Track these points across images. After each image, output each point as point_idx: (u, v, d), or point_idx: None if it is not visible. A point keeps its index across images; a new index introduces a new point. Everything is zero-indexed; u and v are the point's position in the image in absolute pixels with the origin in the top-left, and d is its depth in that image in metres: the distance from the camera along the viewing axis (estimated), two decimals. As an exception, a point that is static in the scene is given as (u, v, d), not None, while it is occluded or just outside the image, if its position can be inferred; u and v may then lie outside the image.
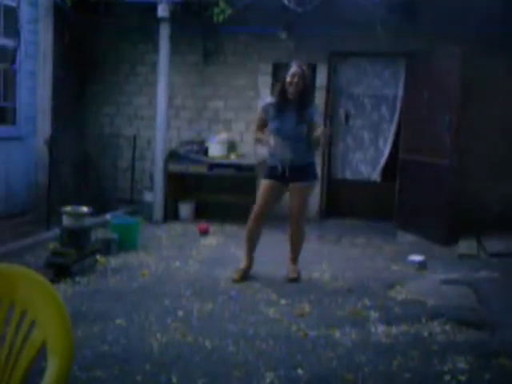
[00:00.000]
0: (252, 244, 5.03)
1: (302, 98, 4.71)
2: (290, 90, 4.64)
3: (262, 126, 4.92)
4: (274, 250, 5.87)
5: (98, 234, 5.85)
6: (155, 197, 7.52)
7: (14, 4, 6.54)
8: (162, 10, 7.26)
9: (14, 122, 6.80)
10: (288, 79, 4.62)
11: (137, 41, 8.28)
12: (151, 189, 7.75)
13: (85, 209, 5.06)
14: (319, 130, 4.62)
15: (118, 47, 8.35)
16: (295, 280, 4.92)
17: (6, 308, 1.51)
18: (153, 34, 7.72)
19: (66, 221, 4.95)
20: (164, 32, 7.35)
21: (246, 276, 4.91)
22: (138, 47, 8.33)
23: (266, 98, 8.26)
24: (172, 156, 7.71)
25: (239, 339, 3.58)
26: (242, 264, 4.99)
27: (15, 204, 6.69)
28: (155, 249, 5.99)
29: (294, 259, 5.09)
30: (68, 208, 5.05)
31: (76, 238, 4.94)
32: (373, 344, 3.60)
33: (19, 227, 6.21)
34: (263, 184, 4.89)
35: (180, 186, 7.91)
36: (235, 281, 4.80)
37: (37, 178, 6.97)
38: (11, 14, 6.56)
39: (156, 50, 7.52)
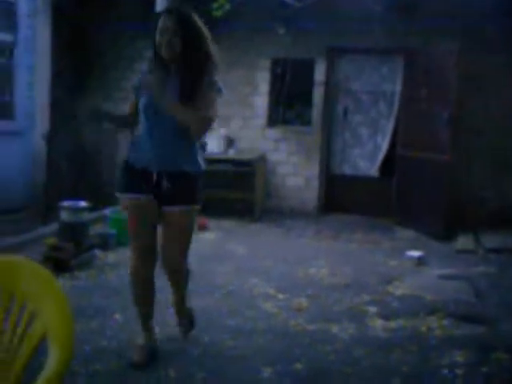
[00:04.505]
0: (146, 303, 3.25)
1: (186, 63, 2.95)
2: (164, 53, 2.94)
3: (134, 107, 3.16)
4: (271, 244, 5.88)
5: (96, 229, 5.85)
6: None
7: (11, -1, 6.53)
8: (161, 5, 7.25)
9: (12, 117, 6.79)
10: (157, 38, 2.94)
11: (135, 36, 8.26)
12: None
13: (83, 203, 5.06)
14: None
15: (116, 42, 8.33)
16: (189, 331, 3.52)
17: (8, 298, 1.52)
18: (151, 30, 7.70)
19: (64, 215, 4.95)
20: (162, 27, 7.33)
21: (151, 353, 3.17)
22: (136, 43, 8.31)
23: (262, 94, 8.32)
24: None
25: (237, 334, 3.59)
26: (141, 339, 3.22)
27: (13, 199, 6.68)
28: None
29: (181, 301, 3.48)
30: (66, 203, 5.05)
31: (74, 232, 4.95)
32: (371, 338, 3.62)
33: (17, 222, 6.21)
34: (123, 204, 3.17)
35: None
36: (137, 365, 3.07)
37: (35, 173, 6.97)
38: (9, 8, 6.55)
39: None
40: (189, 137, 2.98)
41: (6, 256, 1.73)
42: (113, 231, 5.66)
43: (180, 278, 3.40)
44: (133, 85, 3.20)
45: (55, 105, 7.28)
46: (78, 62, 8.11)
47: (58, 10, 7.20)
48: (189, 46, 2.92)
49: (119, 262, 5.16)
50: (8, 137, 6.64)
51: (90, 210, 5.41)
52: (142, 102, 3.00)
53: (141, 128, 3.04)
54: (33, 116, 6.96)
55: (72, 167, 7.93)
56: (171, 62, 2.96)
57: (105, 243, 5.50)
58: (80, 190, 7.46)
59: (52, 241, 5.03)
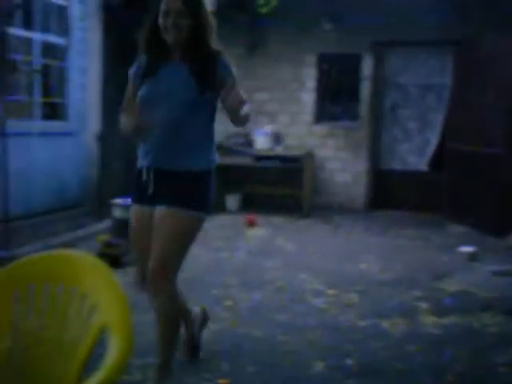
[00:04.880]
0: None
1: (195, 47, 2.59)
2: (169, 36, 2.55)
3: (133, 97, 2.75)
4: (319, 240, 5.88)
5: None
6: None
7: (64, 3, 6.72)
8: (207, 3, 7.32)
9: (65, 118, 6.99)
10: (160, 21, 2.55)
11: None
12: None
13: (135, 201, 5.17)
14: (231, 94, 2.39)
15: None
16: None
17: (69, 291, 1.59)
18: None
19: (117, 212, 5.07)
20: (209, 25, 7.41)
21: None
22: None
23: (308, 90, 8.29)
24: (218, 149, 7.74)
25: (288, 329, 3.61)
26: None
27: (68, 197, 6.88)
28: (203, 240, 6.06)
29: (163, 365, 2.70)
30: (118, 200, 5.18)
31: (126, 229, 5.05)
32: (423, 335, 3.58)
33: (72, 219, 6.40)
34: (131, 215, 2.75)
35: (227, 179, 7.99)
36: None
37: (88, 172, 7.16)
38: (62, 12, 6.74)
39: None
40: (196, 132, 2.59)
41: (65, 250, 1.80)
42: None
43: (162, 305, 2.62)
44: (132, 72, 2.79)
45: (107, 105, 7.45)
46: (128, 63, 8.25)
47: (108, 12, 7.36)
48: (197, 29, 2.55)
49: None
50: (62, 137, 6.85)
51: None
52: (141, 93, 2.64)
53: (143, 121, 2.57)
54: (85, 117, 7.15)
55: (124, 165, 8.10)
56: (176, 46, 2.58)
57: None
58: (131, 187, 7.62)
59: (105, 237, 5.17)
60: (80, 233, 5.89)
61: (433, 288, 4.53)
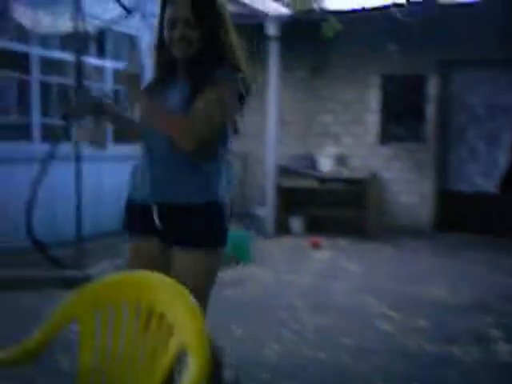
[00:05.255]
0: None
1: (203, 62, 2.10)
2: (175, 51, 2.11)
3: None
4: (385, 262, 5.81)
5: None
6: (267, 211, 7.68)
7: (135, 32, 7.01)
8: (272, 29, 7.47)
9: (132, 142, 7.24)
10: (165, 32, 2.10)
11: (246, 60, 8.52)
12: (262, 203, 7.92)
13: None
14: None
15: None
16: None
17: (145, 311, 1.65)
18: (261, 52, 7.93)
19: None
20: (273, 50, 7.55)
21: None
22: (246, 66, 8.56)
23: (373, 111, 8.24)
24: (282, 171, 7.85)
25: (354, 352, 3.58)
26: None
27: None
28: (268, 262, 6.11)
29: None
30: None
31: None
32: (496, 363, 3.47)
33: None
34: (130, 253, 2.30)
35: (291, 201, 8.02)
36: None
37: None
38: (133, 41, 7.05)
39: (264, 67, 7.71)
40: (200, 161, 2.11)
41: (143, 272, 1.87)
42: (230, 250, 5.83)
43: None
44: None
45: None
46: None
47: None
48: (210, 42, 2.10)
49: (235, 280, 5.32)
50: (129, 161, 7.08)
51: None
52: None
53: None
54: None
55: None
56: (184, 62, 2.13)
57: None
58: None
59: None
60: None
61: (504, 313, 4.39)
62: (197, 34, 2.06)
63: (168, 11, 2.08)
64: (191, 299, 1.57)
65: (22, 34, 6.18)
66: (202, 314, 1.56)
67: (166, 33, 2.09)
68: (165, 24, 2.09)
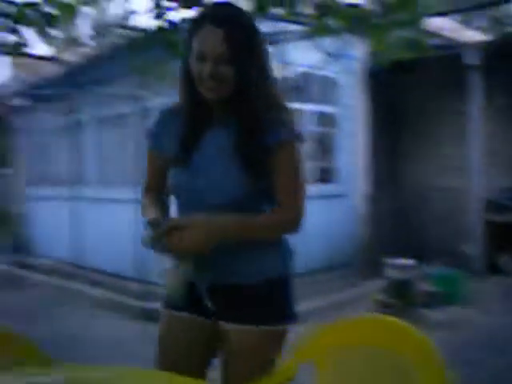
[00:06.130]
0: None
1: (244, 106, 1.74)
2: (206, 91, 1.72)
3: (157, 176, 1.93)
4: None
5: (421, 286, 5.90)
6: (473, 248, 7.28)
7: (332, 75, 7.24)
8: (471, 58, 7.20)
9: (335, 181, 7.41)
10: (195, 69, 1.70)
11: (443, 92, 8.28)
12: (468, 240, 7.53)
13: (411, 262, 5.20)
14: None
15: (425, 102, 8.45)
16: None
17: (393, 363, 1.60)
18: (460, 82, 7.66)
19: (392, 272, 5.15)
20: (474, 79, 7.25)
21: None
22: (444, 98, 8.32)
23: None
24: (489, 205, 7.40)
25: None
26: None
27: (339, 256, 7.19)
28: (478, 303, 5.77)
29: None
30: (394, 260, 5.26)
31: (401, 289, 5.10)
32: None
33: (343, 278, 6.65)
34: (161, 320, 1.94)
35: (501, 237, 7.51)
36: None
37: (358, 232, 7.42)
38: (331, 82, 7.28)
39: (463, 98, 7.42)
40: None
41: (382, 315, 1.82)
42: (439, 289, 5.64)
43: None
44: (150, 132, 1.91)
45: (373, 167, 7.71)
46: (391, 124, 8.45)
47: (373, 78, 7.70)
48: (247, 79, 1.70)
49: (445, 322, 5.10)
50: (332, 199, 7.25)
51: (414, 267, 5.51)
52: (172, 183, 1.84)
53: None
54: (354, 179, 7.49)
55: (394, 225, 8.20)
56: (217, 104, 1.77)
57: (431, 301, 5.50)
58: (402, 246, 7.64)
59: (380, 297, 5.25)
60: (352, 292, 6.08)
61: None
62: (232, 71, 1.68)
63: (197, 41, 1.69)
64: (439, 358, 1.47)
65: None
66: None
67: (193, 66, 1.71)
68: (193, 55, 1.70)
